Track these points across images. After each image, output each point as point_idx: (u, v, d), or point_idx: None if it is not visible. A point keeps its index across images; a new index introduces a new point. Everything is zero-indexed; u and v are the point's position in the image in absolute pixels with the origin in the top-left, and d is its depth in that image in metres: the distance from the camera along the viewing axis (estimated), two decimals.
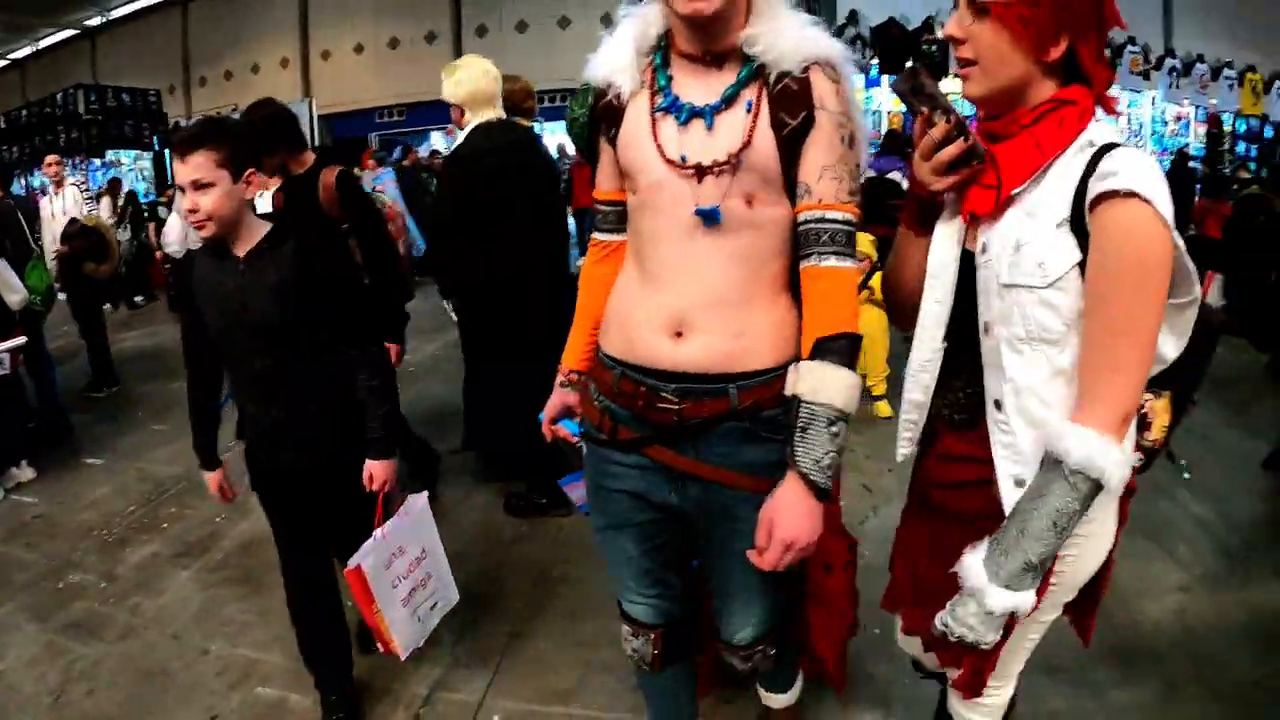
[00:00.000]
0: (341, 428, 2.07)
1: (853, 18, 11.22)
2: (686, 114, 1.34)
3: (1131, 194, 1.07)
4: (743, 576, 1.47)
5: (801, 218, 1.32)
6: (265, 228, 1.99)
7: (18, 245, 4.82)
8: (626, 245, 1.52)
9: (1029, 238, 1.18)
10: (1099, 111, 1.21)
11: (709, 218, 1.33)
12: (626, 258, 1.51)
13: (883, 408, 4.51)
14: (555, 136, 9.78)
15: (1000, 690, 1.48)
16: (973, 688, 1.43)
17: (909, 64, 1.29)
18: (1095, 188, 1.10)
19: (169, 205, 9.15)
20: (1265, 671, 2.40)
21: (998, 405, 1.26)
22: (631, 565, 1.60)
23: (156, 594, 3.09)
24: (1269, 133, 13.39)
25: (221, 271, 1.95)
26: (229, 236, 1.93)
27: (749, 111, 1.31)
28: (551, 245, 3.38)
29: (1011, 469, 1.25)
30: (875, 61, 11.00)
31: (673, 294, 1.37)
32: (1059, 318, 1.17)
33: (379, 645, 2.16)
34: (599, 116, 1.46)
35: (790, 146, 1.30)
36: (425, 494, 2.29)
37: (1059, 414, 1.17)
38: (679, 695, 1.83)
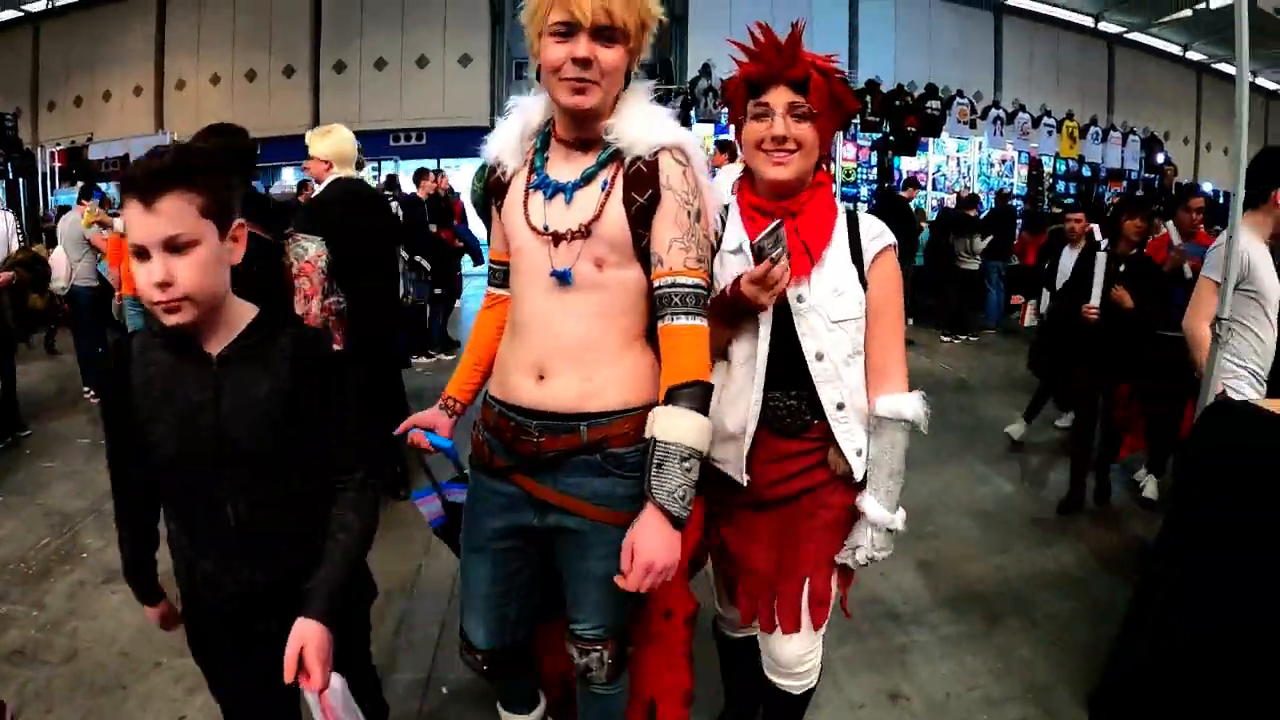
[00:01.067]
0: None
1: (705, 70, 12.08)
2: (552, 189, 1.57)
3: (891, 246, 1.74)
4: (591, 590, 1.68)
5: (657, 284, 1.53)
6: (246, 313, 1.47)
7: None
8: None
9: (844, 286, 1.71)
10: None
11: (562, 278, 1.55)
12: (508, 313, 1.74)
13: None
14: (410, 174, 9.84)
15: (814, 655, 1.93)
16: (822, 604, 1.87)
17: (776, 222, 1.66)
18: (872, 247, 1.72)
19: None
20: (1068, 606, 3.33)
21: (839, 406, 1.74)
22: (479, 589, 1.77)
23: (92, 618, 3.16)
24: (1086, 172, 14.71)
25: (183, 373, 1.41)
26: (202, 324, 1.39)
27: (604, 189, 1.54)
28: (385, 279, 4.11)
29: (852, 445, 1.77)
30: (724, 110, 11.55)
31: (535, 343, 1.60)
32: (864, 334, 1.74)
33: None
34: (490, 190, 1.71)
35: (640, 220, 1.52)
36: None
37: (865, 395, 1.76)
38: (518, 683, 2.01)
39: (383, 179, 11.40)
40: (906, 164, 12.90)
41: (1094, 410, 4.40)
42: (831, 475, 1.81)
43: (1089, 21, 19.13)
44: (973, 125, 13.03)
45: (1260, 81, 19.25)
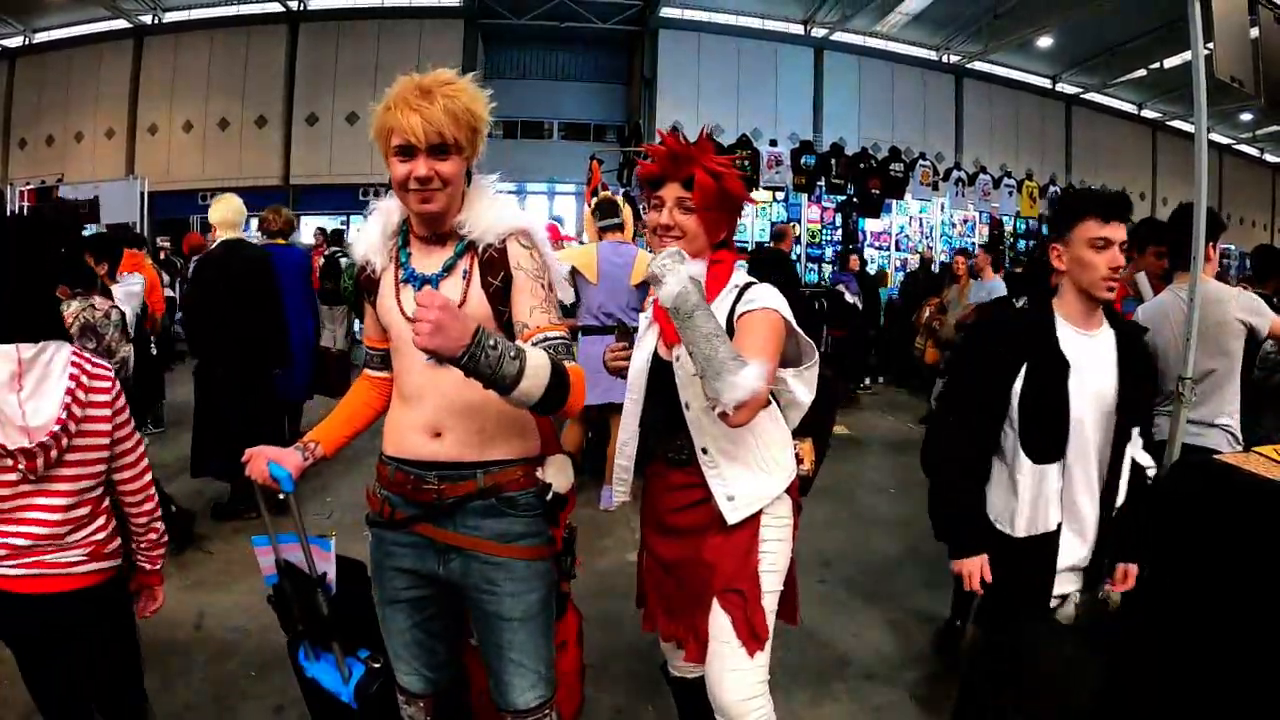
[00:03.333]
0: None
1: (674, 131, 12.01)
2: (420, 281, 1.75)
3: (764, 308, 1.85)
4: (508, 635, 1.79)
5: (530, 342, 1.68)
6: None
7: None
8: (393, 380, 1.88)
9: None
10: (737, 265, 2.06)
11: (434, 357, 1.62)
12: (394, 388, 1.88)
13: None
14: None
15: (758, 702, 1.97)
16: (749, 635, 1.95)
17: (621, 327, 2.15)
18: (740, 309, 1.88)
19: None
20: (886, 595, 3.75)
21: (704, 451, 1.96)
22: (402, 637, 1.87)
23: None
24: (1046, 231, 15.13)
25: None
26: None
27: (464, 278, 1.74)
28: (259, 324, 4.67)
29: (722, 489, 1.96)
30: None
31: (428, 407, 1.76)
32: None
33: None
34: (361, 286, 1.87)
35: (498, 299, 1.73)
36: None
37: (742, 448, 1.95)
38: None
39: (328, 232, 11.39)
40: (870, 225, 13.21)
41: None
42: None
43: (1047, 83, 19.80)
44: (935, 187, 13.31)
45: (1214, 136, 19.97)
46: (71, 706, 1.98)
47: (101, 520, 1.94)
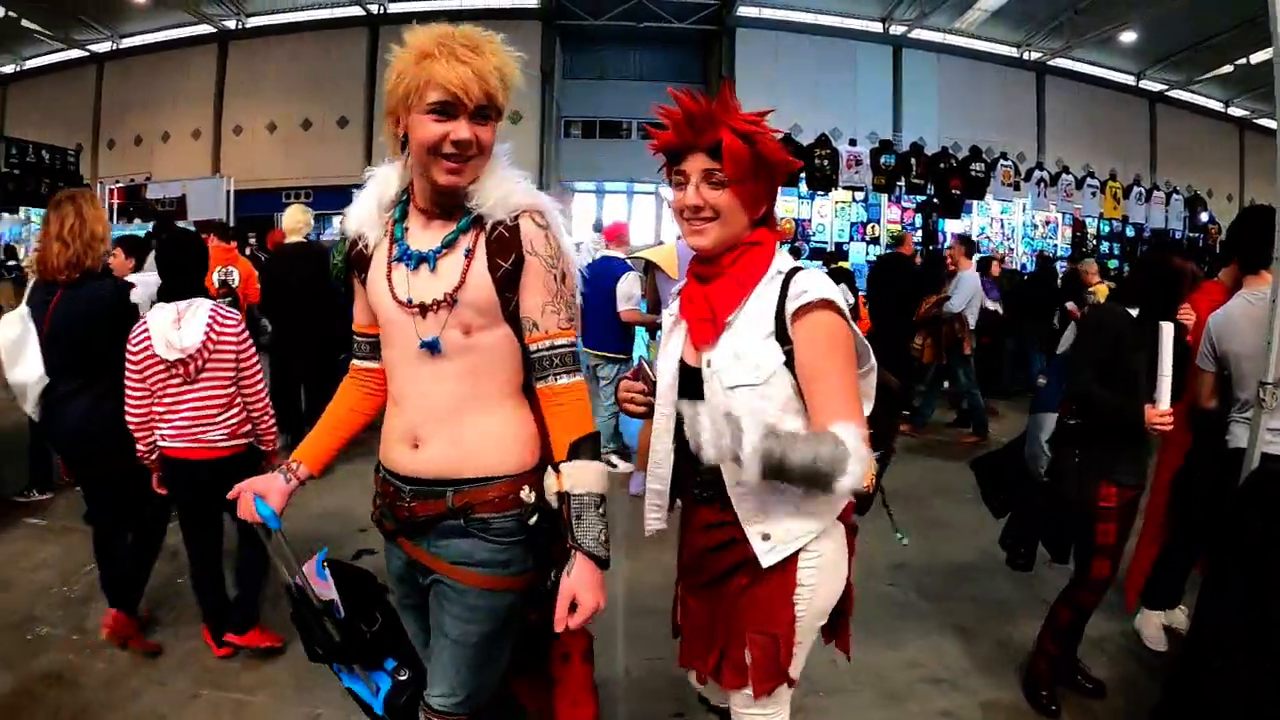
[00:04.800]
0: None
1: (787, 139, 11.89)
2: (415, 260, 1.57)
3: (820, 302, 1.54)
4: (444, 652, 1.65)
5: (533, 348, 1.57)
6: None
7: None
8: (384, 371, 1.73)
9: (744, 349, 1.59)
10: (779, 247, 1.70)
11: (431, 348, 1.57)
12: (388, 384, 1.71)
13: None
14: None
15: (779, 714, 1.77)
16: (770, 676, 1.68)
17: (641, 359, 1.85)
18: (792, 305, 1.56)
19: None
20: (1116, 673, 3.19)
21: (737, 483, 1.60)
22: (419, 639, 1.80)
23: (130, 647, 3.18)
24: (1130, 232, 14.71)
25: None
26: None
27: (466, 256, 1.55)
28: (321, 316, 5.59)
29: (758, 528, 1.62)
30: None
31: (409, 412, 1.63)
32: (773, 405, 1.56)
33: None
34: (352, 262, 1.70)
35: (506, 285, 1.55)
36: None
37: None
38: None
39: None
40: (951, 226, 12.97)
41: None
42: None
43: (1130, 80, 19.22)
44: (1016, 187, 13.08)
45: None
46: (210, 548, 3.08)
47: (234, 411, 2.96)
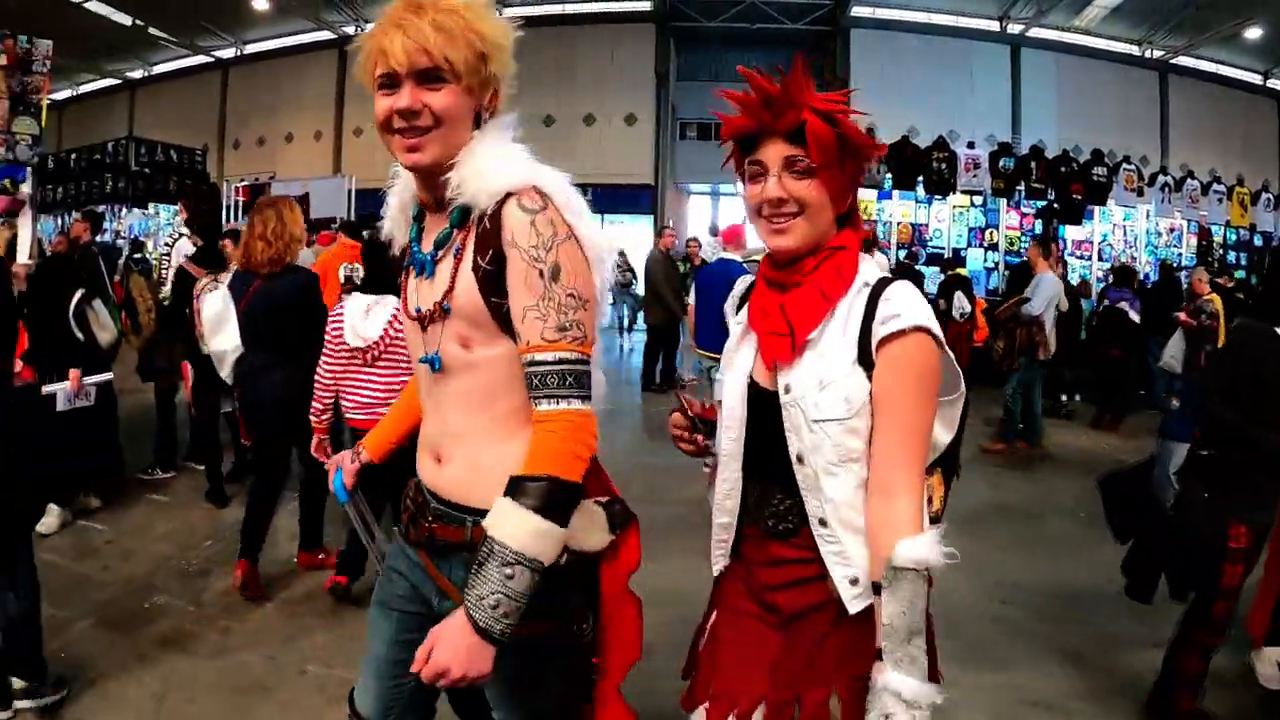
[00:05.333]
0: None
1: (867, 134, 11.84)
2: (418, 264, 1.43)
3: (915, 329, 1.29)
4: (494, 692, 1.49)
5: (522, 362, 1.32)
6: None
7: (96, 291, 4.83)
8: None
9: (831, 376, 1.33)
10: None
11: (431, 365, 1.41)
12: None
13: None
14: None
15: None
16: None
17: (679, 391, 1.68)
18: (880, 331, 1.30)
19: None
20: (1235, 704, 3.02)
21: (822, 522, 1.37)
22: (378, 649, 1.59)
23: (243, 619, 3.34)
24: (1258, 241, 14.10)
25: None
26: None
27: (456, 256, 1.35)
28: None
29: (844, 571, 1.37)
30: (889, 176, 11.68)
31: (431, 424, 1.49)
32: (860, 439, 1.33)
33: None
34: (400, 267, 1.56)
35: (492, 288, 1.32)
36: None
37: (855, 511, 1.35)
38: None
39: None
40: (1071, 232, 12.63)
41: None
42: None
43: (1257, 79, 18.32)
44: (1140, 193, 12.62)
45: None
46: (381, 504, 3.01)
47: None
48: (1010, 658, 3.35)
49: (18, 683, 2.63)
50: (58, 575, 3.39)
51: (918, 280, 9.15)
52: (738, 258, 5.98)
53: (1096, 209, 12.59)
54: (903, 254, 11.32)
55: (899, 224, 12.36)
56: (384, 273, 3.37)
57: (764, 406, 1.43)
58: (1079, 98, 16.85)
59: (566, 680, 1.51)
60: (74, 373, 4.12)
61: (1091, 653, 3.43)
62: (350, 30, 18.22)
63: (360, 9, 17.90)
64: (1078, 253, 13.06)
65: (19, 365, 3.87)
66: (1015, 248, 12.42)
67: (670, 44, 17.59)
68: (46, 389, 4.11)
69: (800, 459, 1.38)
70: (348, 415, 3.38)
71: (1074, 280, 11.36)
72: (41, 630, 2.70)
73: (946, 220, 12.54)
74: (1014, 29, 17.21)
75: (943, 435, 1.45)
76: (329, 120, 18.38)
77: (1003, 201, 12.30)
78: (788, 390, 1.38)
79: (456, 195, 1.34)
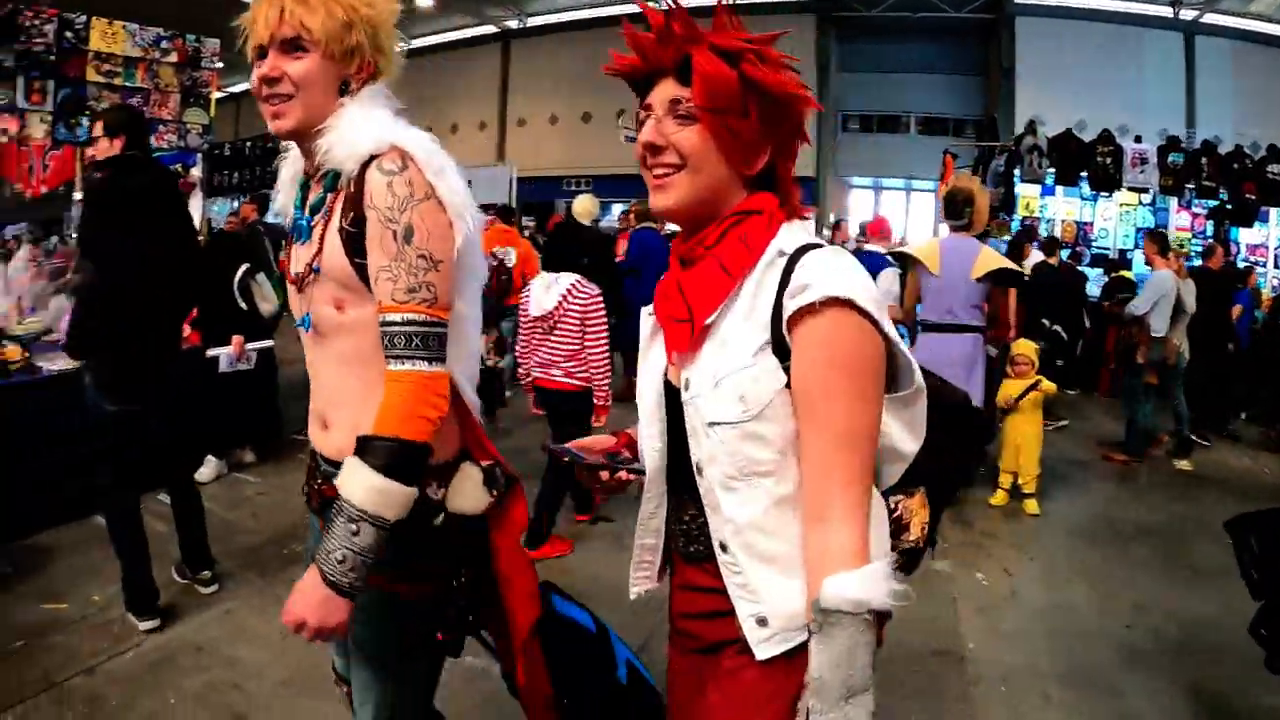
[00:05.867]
0: None
1: (1031, 127, 11.09)
2: (295, 230, 1.46)
3: (829, 301, 1.02)
4: (355, 666, 1.52)
5: (378, 323, 1.32)
6: None
7: (261, 266, 5.21)
8: None
9: (725, 370, 1.10)
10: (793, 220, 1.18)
11: (303, 325, 1.45)
12: None
13: (1030, 505, 4.95)
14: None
15: None
16: None
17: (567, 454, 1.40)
18: (789, 306, 1.05)
19: None
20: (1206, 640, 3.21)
21: (723, 547, 1.15)
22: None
23: None
24: None
25: None
26: None
27: (325, 219, 1.38)
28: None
29: (750, 609, 1.14)
30: (1052, 171, 11.09)
31: (316, 390, 1.50)
32: (769, 448, 1.09)
33: None
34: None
35: (353, 248, 1.32)
36: None
37: (786, 543, 1.11)
38: None
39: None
40: (1245, 236, 11.84)
41: None
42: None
43: None
44: None
45: None
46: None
47: (578, 360, 3.85)
48: (1124, 684, 3.15)
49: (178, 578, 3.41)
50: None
51: (1080, 282, 8.96)
52: (881, 250, 5.91)
53: (1273, 210, 11.73)
54: (1065, 254, 11.04)
55: (1063, 222, 11.96)
56: (563, 253, 3.99)
57: (676, 407, 1.21)
58: (1257, 89, 15.64)
59: (436, 643, 1.51)
60: (237, 338, 4.61)
61: (1218, 694, 3.13)
62: (513, 24, 19.15)
63: (522, 4, 18.68)
64: (1251, 257, 12.19)
65: (187, 330, 4.24)
66: (1185, 250, 11.38)
67: (831, 35, 17.38)
68: (210, 352, 4.55)
69: (699, 470, 1.17)
70: (533, 374, 3.99)
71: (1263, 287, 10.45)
72: (206, 529, 3.42)
73: (1113, 219, 12.04)
74: (1187, 15, 15.98)
75: (905, 443, 1.20)
76: (493, 111, 19.24)
77: (1173, 200, 11.61)
78: (687, 387, 1.17)
79: (325, 161, 1.37)
